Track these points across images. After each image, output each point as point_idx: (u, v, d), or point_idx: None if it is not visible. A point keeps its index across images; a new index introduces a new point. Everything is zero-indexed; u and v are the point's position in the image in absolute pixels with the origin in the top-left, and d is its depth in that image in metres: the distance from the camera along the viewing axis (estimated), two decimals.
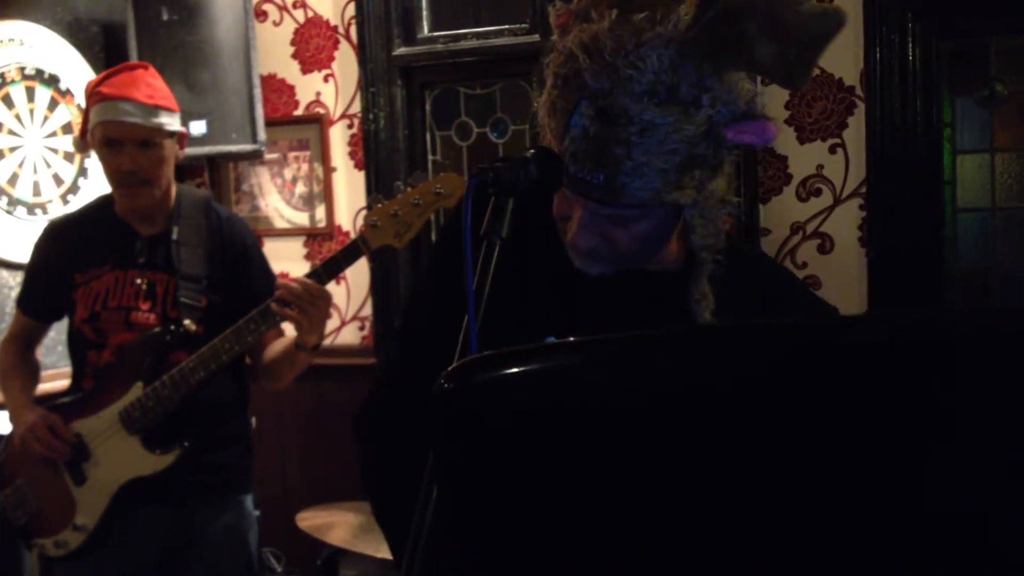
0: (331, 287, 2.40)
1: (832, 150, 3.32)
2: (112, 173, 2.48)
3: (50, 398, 2.62)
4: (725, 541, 0.74)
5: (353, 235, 3.98)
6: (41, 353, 2.80)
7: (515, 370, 0.71)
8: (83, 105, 3.79)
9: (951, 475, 0.77)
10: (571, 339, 0.80)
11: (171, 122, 2.51)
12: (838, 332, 0.83)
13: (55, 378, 3.17)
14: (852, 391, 0.76)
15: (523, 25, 3.72)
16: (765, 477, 0.74)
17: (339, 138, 4.01)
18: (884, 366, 0.77)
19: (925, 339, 0.79)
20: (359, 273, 3.91)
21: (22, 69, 3.67)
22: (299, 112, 4.04)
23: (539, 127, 1.37)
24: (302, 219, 4.09)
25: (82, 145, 2.60)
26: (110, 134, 2.44)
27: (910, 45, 3.21)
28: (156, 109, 2.47)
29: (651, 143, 1.20)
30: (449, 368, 0.70)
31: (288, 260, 4.03)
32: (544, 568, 0.74)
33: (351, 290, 4.00)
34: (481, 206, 1.23)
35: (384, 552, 2.77)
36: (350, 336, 4.04)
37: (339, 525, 3.10)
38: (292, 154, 4.07)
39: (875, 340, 0.79)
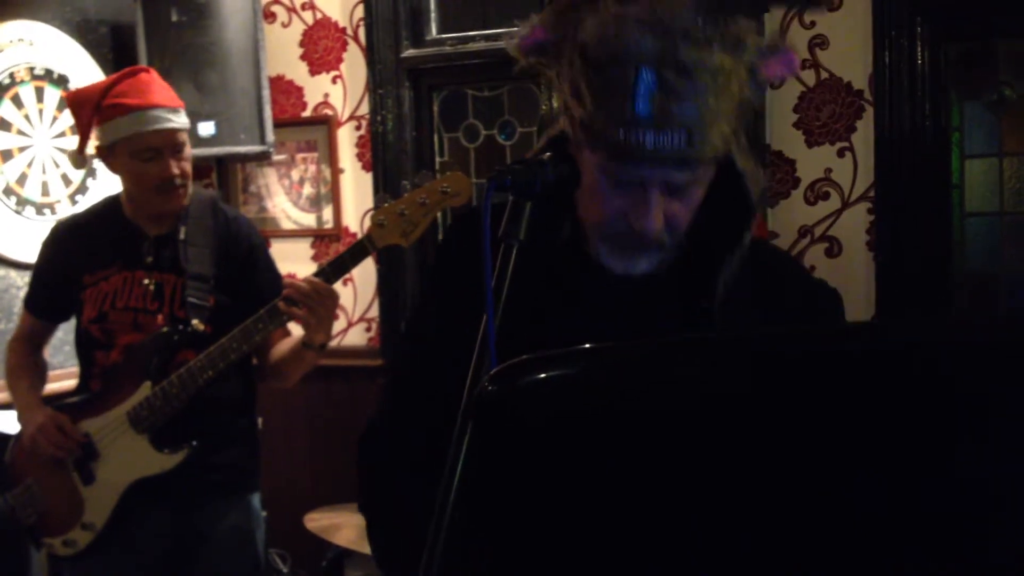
0: (338, 288, 2.41)
1: (840, 154, 3.32)
2: (156, 181, 2.48)
3: (57, 398, 2.63)
4: (749, 544, 0.75)
5: (361, 237, 3.99)
6: (48, 353, 2.80)
7: (557, 373, 0.71)
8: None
9: (954, 480, 0.78)
10: (610, 343, 0.80)
11: (187, 120, 2.56)
12: (854, 340, 0.85)
13: (62, 378, 3.18)
14: (868, 398, 0.77)
15: None
16: (794, 482, 0.74)
17: (347, 140, 4.01)
18: (889, 374, 0.77)
19: (929, 346, 0.80)
20: (366, 274, 3.92)
21: (31, 69, 3.68)
22: (307, 113, 4.05)
23: (565, 116, 1.36)
24: (309, 220, 4.09)
25: (81, 160, 2.60)
26: (153, 144, 2.45)
27: (919, 49, 3.21)
28: (179, 110, 2.52)
29: (720, 87, 1.23)
30: (492, 371, 0.71)
31: (295, 261, 4.03)
32: (576, 569, 0.74)
33: (358, 291, 4.00)
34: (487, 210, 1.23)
35: None
36: (357, 337, 4.05)
37: (346, 526, 3.10)
38: (300, 155, 4.08)
39: (881, 348, 0.80)
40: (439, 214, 2.41)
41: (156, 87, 2.51)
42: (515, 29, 1.37)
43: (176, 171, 2.48)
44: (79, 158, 2.59)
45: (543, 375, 0.72)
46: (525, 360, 0.72)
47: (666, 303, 1.39)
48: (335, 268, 2.39)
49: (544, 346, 1.34)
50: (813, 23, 3.31)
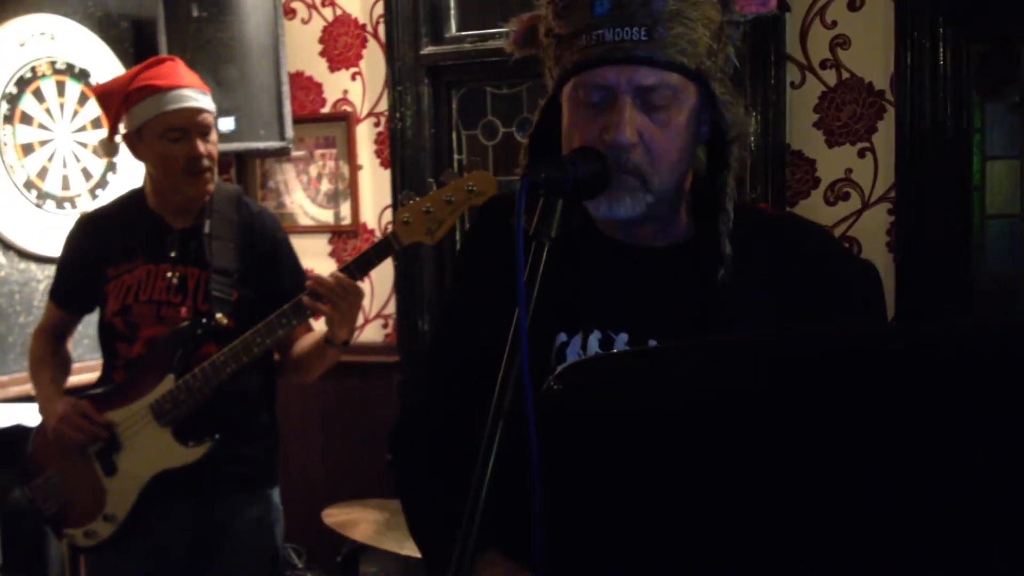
0: (359, 280, 2.41)
1: (861, 154, 3.31)
2: (181, 160, 2.48)
3: (78, 390, 2.64)
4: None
5: (378, 233, 4.00)
6: (71, 345, 2.82)
7: (618, 373, 0.72)
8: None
9: (959, 478, 0.78)
10: (668, 344, 0.82)
11: (213, 105, 2.58)
12: (888, 341, 0.85)
13: (81, 371, 3.19)
14: (899, 398, 0.78)
15: None
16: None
17: (365, 136, 4.02)
18: (910, 375, 0.78)
19: (947, 349, 0.80)
20: (383, 271, 3.92)
21: (53, 63, 3.70)
22: (326, 110, 4.06)
23: (548, 72, 1.40)
24: (327, 216, 4.10)
25: (111, 148, 2.60)
26: (180, 123, 2.46)
27: (941, 49, 3.19)
28: (206, 93, 2.55)
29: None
30: (557, 371, 0.72)
31: (313, 257, 4.04)
32: (635, 557, 0.75)
33: (375, 288, 4.01)
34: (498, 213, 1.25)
35: (407, 549, 2.78)
36: (373, 334, 4.05)
37: (363, 521, 3.11)
38: (318, 151, 4.09)
39: (902, 349, 0.80)
40: (465, 212, 2.41)
41: (182, 72, 2.53)
42: (509, 27, 1.50)
43: (203, 151, 2.49)
44: (109, 146, 2.59)
45: (605, 375, 0.73)
46: (587, 360, 0.73)
47: (678, 277, 1.40)
48: (360, 265, 2.39)
49: (560, 329, 1.36)
50: (835, 23, 3.30)
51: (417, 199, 2.36)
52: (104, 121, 2.61)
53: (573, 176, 1.21)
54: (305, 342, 2.61)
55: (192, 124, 2.47)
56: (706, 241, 1.38)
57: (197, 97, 2.49)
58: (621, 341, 1.34)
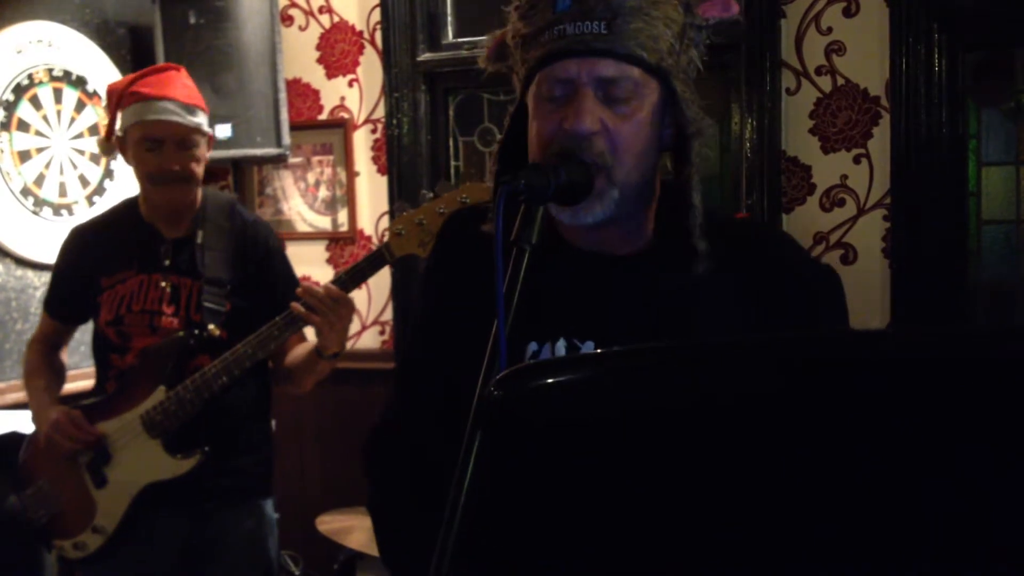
0: (352, 291, 2.41)
1: (856, 160, 3.31)
2: (152, 170, 2.48)
3: (72, 398, 2.64)
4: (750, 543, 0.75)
5: (375, 240, 4.00)
6: (65, 354, 2.81)
7: (562, 378, 0.72)
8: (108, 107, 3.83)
9: (958, 486, 0.77)
10: (613, 349, 0.81)
11: (205, 122, 2.55)
12: (868, 347, 0.84)
13: (76, 379, 3.19)
14: (877, 407, 0.77)
15: None
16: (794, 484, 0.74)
17: (363, 143, 4.02)
18: (900, 383, 0.77)
19: (940, 356, 0.79)
20: (380, 278, 3.91)
21: (50, 70, 3.70)
22: (323, 116, 4.06)
23: (517, 77, 1.41)
24: (324, 223, 4.10)
25: (108, 147, 2.61)
26: (152, 133, 2.46)
27: (936, 56, 3.19)
28: (195, 109, 2.51)
29: None
30: (498, 376, 0.72)
31: (310, 264, 4.04)
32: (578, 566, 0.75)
33: (372, 295, 4.01)
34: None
35: None
36: (370, 340, 4.05)
37: (358, 529, 3.11)
38: (316, 158, 4.09)
39: (890, 356, 0.79)
40: None
41: (177, 84, 2.52)
42: (483, 40, 1.53)
43: (175, 166, 2.47)
44: (105, 145, 2.61)
45: (549, 380, 0.72)
46: (531, 365, 0.73)
47: (641, 284, 1.40)
48: (352, 276, 2.39)
49: (531, 339, 1.36)
50: (830, 29, 3.30)
51: (410, 211, 2.36)
52: (105, 122, 2.63)
53: (555, 183, 1.21)
54: (298, 352, 2.61)
55: (169, 136, 2.46)
56: (674, 241, 1.38)
57: (179, 111, 2.47)
58: (587, 349, 1.34)
